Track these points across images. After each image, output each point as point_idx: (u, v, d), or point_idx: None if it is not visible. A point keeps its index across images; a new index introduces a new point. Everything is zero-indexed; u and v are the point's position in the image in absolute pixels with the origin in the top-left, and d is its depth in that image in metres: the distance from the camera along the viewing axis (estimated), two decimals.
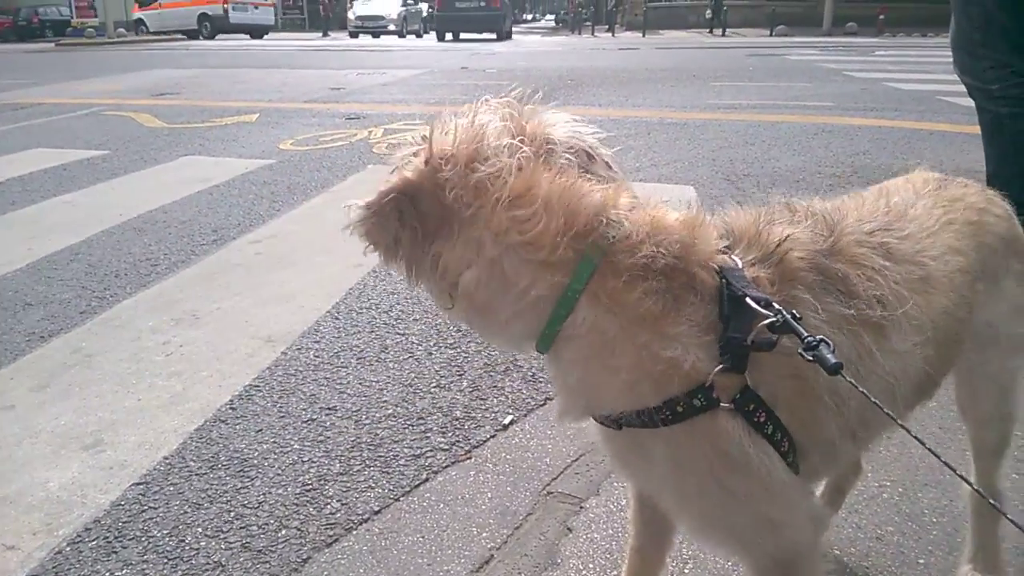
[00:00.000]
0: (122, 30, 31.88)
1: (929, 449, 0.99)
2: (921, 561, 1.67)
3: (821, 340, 0.94)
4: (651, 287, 1.00)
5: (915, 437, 0.96)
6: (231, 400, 2.48)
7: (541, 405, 2.39)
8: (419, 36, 35.00)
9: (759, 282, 1.03)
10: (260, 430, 2.31)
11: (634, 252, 1.00)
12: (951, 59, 3.26)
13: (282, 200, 5.01)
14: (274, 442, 2.24)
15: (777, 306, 0.98)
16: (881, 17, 26.72)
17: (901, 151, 6.05)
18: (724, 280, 1.02)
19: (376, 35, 33.49)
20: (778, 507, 1.07)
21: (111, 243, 4.17)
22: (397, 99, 10.03)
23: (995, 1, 2.96)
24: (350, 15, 34.80)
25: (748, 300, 0.98)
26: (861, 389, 0.97)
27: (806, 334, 0.95)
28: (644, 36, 29.08)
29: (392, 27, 34.17)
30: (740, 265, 1.04)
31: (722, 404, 0.99)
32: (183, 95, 10.86)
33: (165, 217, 4.66)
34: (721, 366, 0.99)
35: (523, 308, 1.03)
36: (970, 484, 1.04)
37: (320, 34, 39.26)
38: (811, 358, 0.94)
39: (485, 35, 27.81)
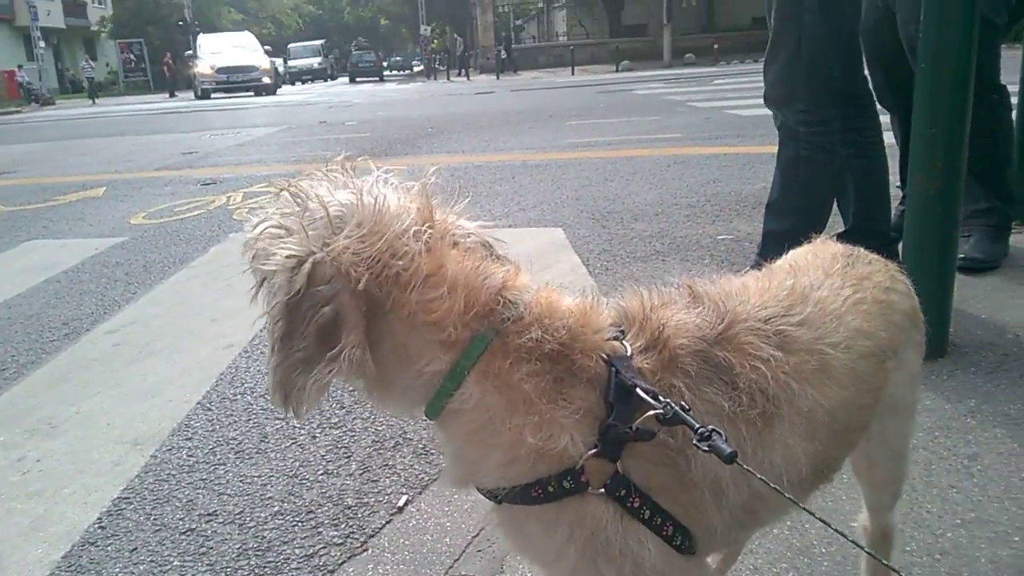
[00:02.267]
0: None
1: (836, 530, 1.02)
2: None
3: (713, 430, 0.95)
4: (534, 369, 1.01)
5: (821, 520, 0.97)
6: (99, 518, 2.29)
7: (435, 479, 2.34)
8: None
9: (642, 372, 1.04)
10: (134, 549, 2.14)
11: (522, 334, 1.02)
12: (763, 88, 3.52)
13: (138, 281, 4.74)
14: (152, 561, 2.08)
15: (665, 399, 0.99)
16: (716, 47, 28.57)
17: (747, 176, 6.42)
18: (613, 368, 1.02)
19: (239, 91, 30.61)
20: None
21: None
22: (255, 160, 9.78)
23: (835, 52, 3.21)
24: (202, 69, 31.30)
25: (639, 391, 1.00)
26: (760, 476, 0.99)
27: (698, 425, 0.96)
28: (498, 78, 29.77)
29: (266, 79, 31.19)
30: (630, 352, 1.06)
31: (590, 490, 1.01)
32: (20, 173, 10.17)
33: (8, 313, 4.31)
34: (592, 451, 1.00)
35: (419, 383, 1.04)
36: (879, 559, 1.05)
37: (167, 95, 38.01)
38: (706, 448, 0.95)
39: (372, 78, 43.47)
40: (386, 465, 2.46)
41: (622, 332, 1.09)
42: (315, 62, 48.73)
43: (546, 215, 5.74)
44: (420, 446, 2.55)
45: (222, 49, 32.05)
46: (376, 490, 2.32)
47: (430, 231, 1.03)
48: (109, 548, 2.16)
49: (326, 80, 47.99)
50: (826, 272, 1.30)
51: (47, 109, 32.39)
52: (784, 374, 1.09)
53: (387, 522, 2.16)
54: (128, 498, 2.39)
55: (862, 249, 1.44)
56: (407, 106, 16.88)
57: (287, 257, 0.98)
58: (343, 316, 0.98)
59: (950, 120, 2.63)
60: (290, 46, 53.79)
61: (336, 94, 23.67)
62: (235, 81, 30.81)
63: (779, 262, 1.39)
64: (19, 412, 3.07)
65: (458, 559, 1.98)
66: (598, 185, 6.66)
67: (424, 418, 1.08)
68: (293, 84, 45.32)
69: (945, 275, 2.81)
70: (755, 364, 1.07)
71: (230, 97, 29.32)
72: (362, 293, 0.98)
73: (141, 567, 2.06)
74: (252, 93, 30.55)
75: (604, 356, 1.04)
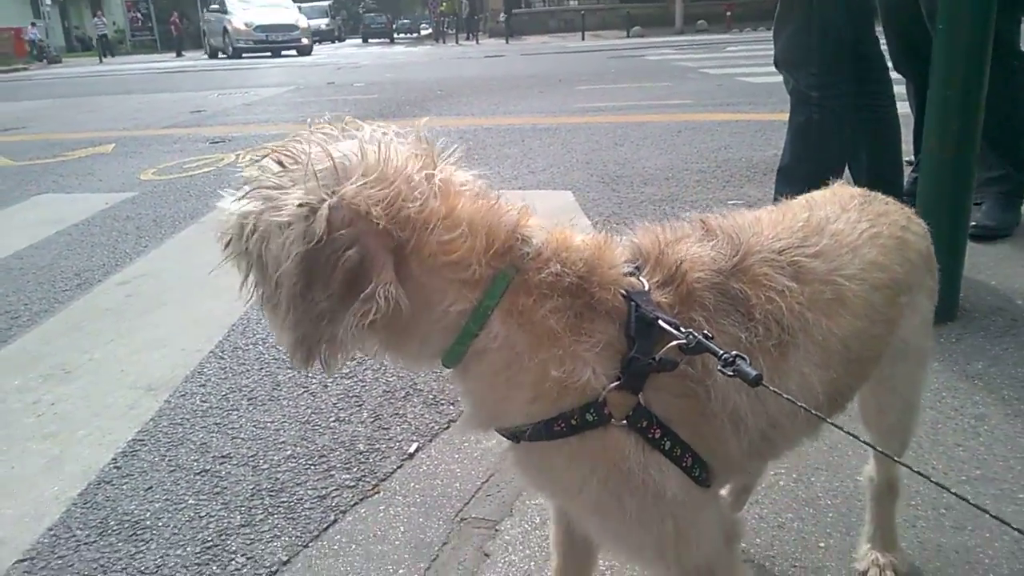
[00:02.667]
0: None
1: (890, 456, 1.04)
2: (822, 544, 1.76)
3: (737, 355, 0.96)
4: (556, 305, 1.01)
5: (850, 433, 1.00)
6: (114, 459, 2.33)
7: (445, 429, 2.37)
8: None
9: (660, 306, 1.05)
10: (150, 488, 2.18)
11: (542, 270, 1.02)
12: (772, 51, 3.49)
13: (149, 235, 4.76)
14: (166, 499, 2.12)
15: (687, 329, 1.00)
16: (728, 14, 28.16)
17: (759, 143, 6.37)
18: (633, 303, 1.04)
19: (278, 53, 27.52)
20: (678, 525, 1.08)
21: None
22: (263, 119, 9.74)
23: (846, 15, 3.17)
24: (236, 25, 27.66)
25: (661, 323, 1.01)
26: (786, 396, 1.01)
27: (722, 352, 0.97)
28: (507, 43, 29.43)
29: (304, 40, 28.19)
30: (647, 287, 1.07)
31: (613, 421, 1.02)
32: (29, 129, 10.16)
33: (21, 264, 4.33)
34: (615, 384, 1.01)
35: (441, 326, 1.02)
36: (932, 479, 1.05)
37: (173, 54, 37.71)
38: (731, 373, 0.96)
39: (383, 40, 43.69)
40: (397, 414, 2.49)
41: (637, 268, 1.10)
42: (323, 23, 46.19)
43: (556, 178, 5.72)
44: (430, 396, 2.58)
45: (251, 5, 29.09)
46: (387, 437, 2.35)
47: (439, 174, 1.03)
48: (124, 487, 2.20)
49: (333, 42, 46.40)
50: (843, 207, 1.32)
51: (54, 67, 32.18)
52: (799, 304, 1.11)
53: (398, 467, 2.20)
54: (143, 440, 2.42)
55: (874, 192, 1.45)
56: (415, 69, 16.73)
57: (299, 206, 0.95)
58: (370, 257, 0.95)
59: (966, 83, 2.61)
60: (297, 6, 52.72)
61: (344, 56, 23.38)
62: (275, 41, 27.63)
63: (796, 200, 1.39)
64: (33, 358, 3.10)
65: (468, 503, 2.01)
66: (608, 149, 6.62)
67: (441, 368, 1.08)
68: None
69: (957, 241, 2.80)
70: (770, 295, 1.09)
71: (262, 57, 27.19)
72: (384, 232, 0.96)
73: (156, 504, 2.10)
74: (295, 53, 27.73)
75: (623, 291, 1.05)
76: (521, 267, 1.03)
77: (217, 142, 8.06)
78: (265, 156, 1.04)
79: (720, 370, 0.97)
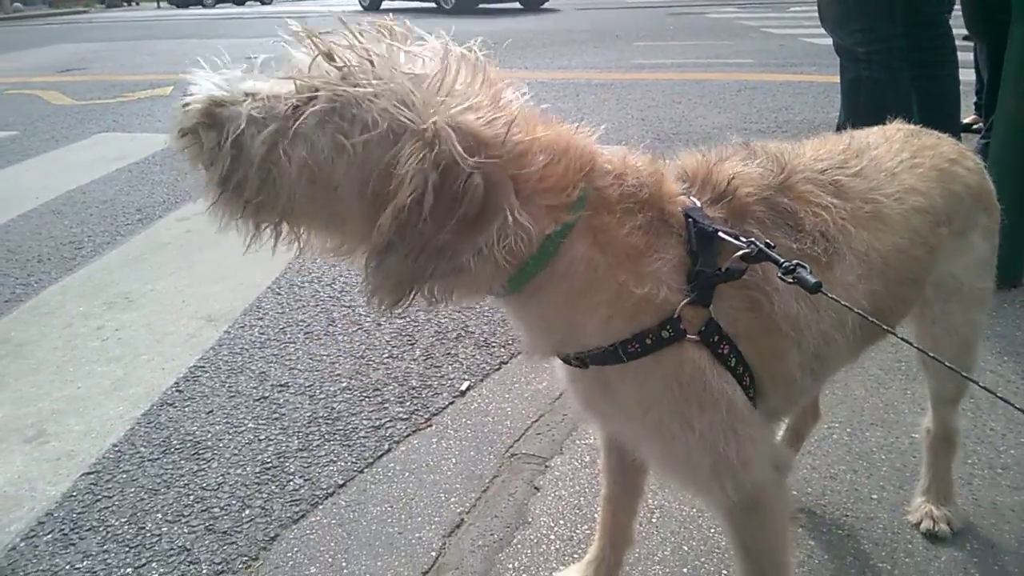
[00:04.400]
0: (18, 4, 30.06)
1: (986, 388, 1.04)
2: (874, 496, 1.75)
3: (797, 264, 0.97)
4: (636, 222, 1.01)
5: (938, 359, 1.00)
6: (176, 382, 2.41)
7: (496, 370, 2.40)
8: None
9: (715, 221, 1.06)
10: (211, 411, 2.26)
11: (621, 185, 1.02)
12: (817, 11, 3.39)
13: None
14: (227, 423, 2.19)
15: (749, 238, 1.01)
16: None
17: (821, 105, 6.20)
18: (690, 218, 1.04)
19: None
20: (739, 445, 1.09)
21: (30, 228, 3.97)
22: None
23: None
24: None
25: (722, 234, 1.02)
26: (844, 303, 1.01)
27: (783, 260, 0.98)
28: None
29: None
30: (699, 205, 1.07)
31: (688, 336, 1.02)
32: (90, 70, 10.34)
33: (84, 198, 4.45)
34: (688, 298, 1.02)
35: (528, 249, 0.96)
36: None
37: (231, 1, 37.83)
38: (792, 281, 0.97)
39: None
40: (448, 354, 2.52)
41: (687, 187, 1.11)
42: None
43: (610, 134, 5.48)
44: (481, 338, 2.61)
45: None
46: (439, 375, 2.39)
47: (515, 99, 1.01)
48: (186, 409, 2.27)
49: None
50: (886, 137, 1.35)
51: (114, 10, 32.60)
52: (842, 219, 1.14)
53: (450, 403, 2.24)
54: (203, 367, 2.50)
55: (933, 130, 1.45)
56: (464, 21, 16.57)
57: (411, 125, 0.88)
58: (494, 184, 0.90)
59: None
60: None
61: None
62: None
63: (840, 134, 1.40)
64: (96, 286, 3.20)
65: (518, 439, 2.04)
66: (664, 107, 6.51)
67: (502, 294, 1.03)
68: None
69: None
70: (816, 210, 1.13)
71: None
72: (500, 159, 0.92)
73: (216, 427, 2.17)
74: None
75: (681, 207, 1.06)
76: (600, 184, 1.01)
77: None
78: (305, 41, 0.95)
79: (780, 277, 0.98)
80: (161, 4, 35.12)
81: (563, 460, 1.94)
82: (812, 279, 0.95)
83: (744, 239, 1.01)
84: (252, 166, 0.94)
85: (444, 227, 0.88)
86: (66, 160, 5.39)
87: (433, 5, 17.45)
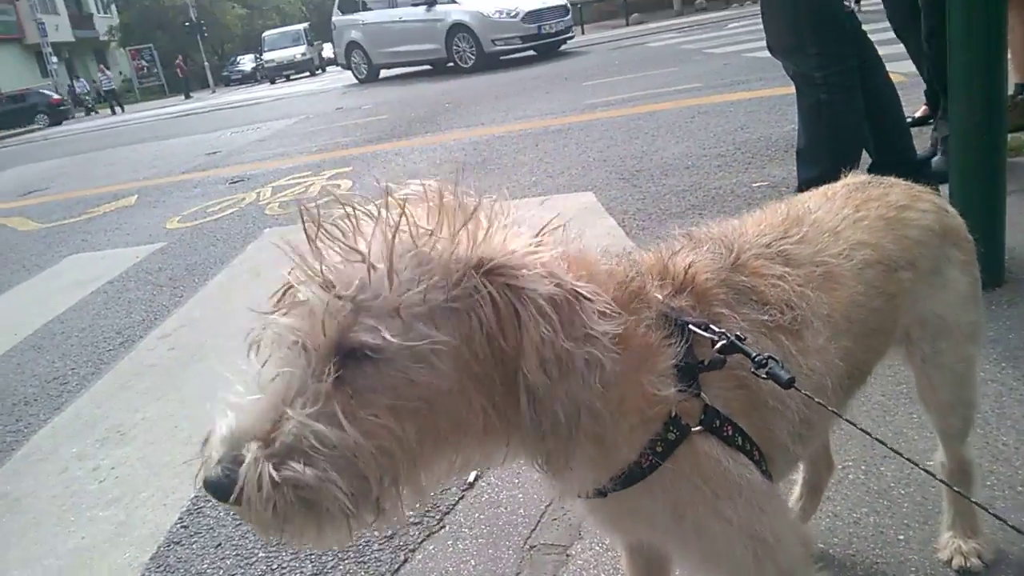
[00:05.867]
0: None
1: (894, 450, 1.04)
2: (901, 537, 1.73)
3: (769, 357, 1.00)
4: (638, 343, 1.01)
5: (879, 440, 1.01)
6: (180, 518, 2.36)
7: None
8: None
9: (684, 311, 1.06)
10: (219, 544, 2.20)
11: (625, 310, 1.01)
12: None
13: (183, 285, 4.82)
14: (237, 555, 2.14)
15: (720, 329, 1.03)
16: None
17: (776, 120, 6.30)
18: (663, 314, 1.05)
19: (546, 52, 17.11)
20: (771, 522, 1.08)
21: (11, 367, 3.92)
22: (278, 153, 9.82)
23: None
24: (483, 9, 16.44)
25: (692, 327, 1.03)
26: (818, 400, 1.05)
27: (755, 353, 1.00)
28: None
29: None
30: (661, 298, 1.08)
31: (693, 428, 1.02)
32: (52, 189, 10.34)
33: (63, 328, 4.41)
34: (679, 392, 1.01)
35: None
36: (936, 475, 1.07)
37: (182, 96, 38.18)
38: (765, 376, 0.99)
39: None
40: None
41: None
42: (298, 52, 38.58)
43: (575, 180, 5.70)
44: None
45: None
46: None
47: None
48: (194, 546, 2.22)
49: (312, 74, 38.45)
50: (827, 197, 1.38)
51: (66, 123, 32.80)
52: (799, 286, 1.16)
53: (460, 499, 2.20)
54: (206, 497, 2.44)
55: (886, 177, 1.47)
56: (420, 82, 16.76)
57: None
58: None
59: (987, 45, 2.56)
60: (264, 35, 42.38)
61: (347, 79, 23.47)
62: (547, 34, 17.05)
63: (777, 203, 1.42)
64: (86, 423, 3.15)
65: (535, 529, 2.01)
66: (623, 144, 6.59)
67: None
68: (272, 82, 36.44)
69: (995, 203, 2.75)
70: (773, 281, 1.15)
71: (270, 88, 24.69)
72: None
73: (228, 561, 2.12)
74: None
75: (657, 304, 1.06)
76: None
77: (236, 181, 8.15)
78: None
79: (754, 372, 1.00)
80: (123, 108, 35.09)
81: (583, 546, 1.90)
82: (785, 375, 0.97)
83: (716, 329, 1.02)
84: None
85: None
86: (40, 289, 5.35)
87: (452, 64, 17.30)
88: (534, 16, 16.48)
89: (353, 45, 19.19)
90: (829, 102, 3.31)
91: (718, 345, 1.02)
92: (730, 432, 1.04)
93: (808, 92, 3.39)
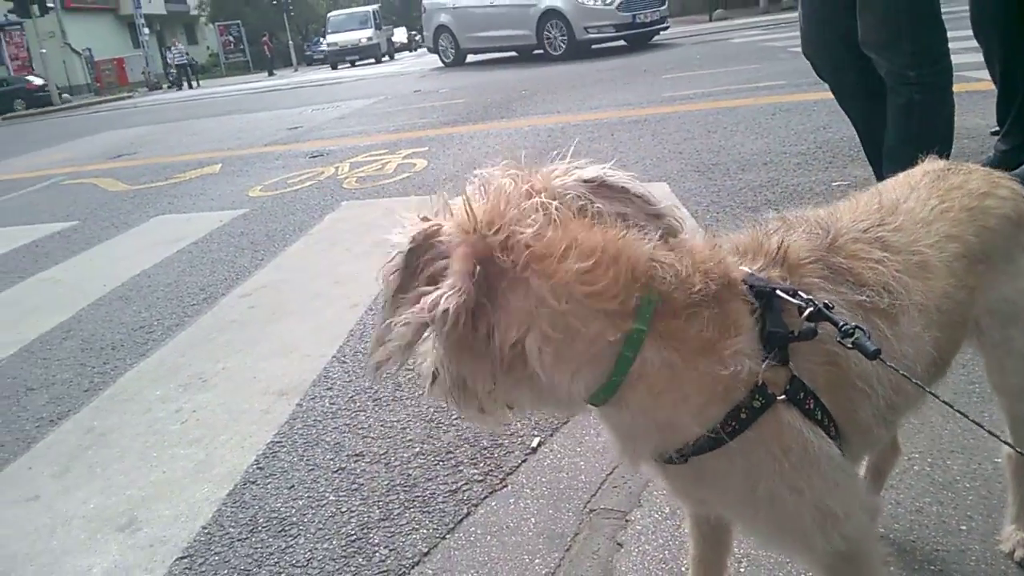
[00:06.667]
0: (67, 95, 31.45)
1: (990, 431, 1.05)
2: (963, 528, 1.72)
3: (856, 327, 1.00)
4: (705, 318, 1.02)
5: (973, 421, 1.02)
6: (256, 460, 2.49)
7: (564, 423, 2.42)
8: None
9: (772, 280, 1.09)
10: (292, 486, 2.32)
11: (688, 288, 1.02)
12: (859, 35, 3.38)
13: (263, 249, 5.00)
14: (309, 496, 2.25)
15: (808, 296, 1.05)
16: None
17: None
18: (749, 284, 1.07)
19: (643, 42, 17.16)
20: (839, 497, 1.10)
21: (100, 316, 4.15)
22: (357, 131, 10.04)
23: None
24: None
25: (779, 292, 1.05)
26: (902, 372, 1.05)
27: (842, 322, 1.01)
28: None
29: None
30: (753, 271, 1.11)
31: (778, 398, 1.04)
32: (140, 154, 10.78)
33: (149, 282, 4.63)
34: (767, 361, 1.04)
35: (591, 359, 1.00)
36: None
37: (266, 74, 39.03)
38: (851, 345, 1.00)
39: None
40: None
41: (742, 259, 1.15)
42: (363, 36, 35.87)
43: (649, 170, 5.69)
44: None
45: None
46: (509, 433, 2.42)
47: (552, 203, 1.00)
48: (269, 486, 2.34)
49: (378, 60, 35.94)
50: (912, 186, 1.38)
51: (155, 93, 33.97)
52: (897, 271, 1.17)
53: (523, 461, 2.26)
54: (281, 442, 2.57)
55: (964, 164, 1.47)
56: (500, 69, 16.85)
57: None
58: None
59: None
60: (330, 15, 40.55)
61: (426, 63, 23.71)
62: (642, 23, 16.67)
63: (867, 191, 1.43)
64: (170, 369, 3.32)
65: (595, 494, 2.06)
66: (700, 138, 6.54)
67: (588, 407, 1.07)
68: (334, 67, 34.74)
69: None
70: (871, 264, 1.16)
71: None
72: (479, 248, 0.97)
73: (300, 502, 2.23)
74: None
75: (742, 277, 1.09)
76: (664, 291, 1.01)
77: (316, 156, 8.37)
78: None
79: (839, 341, 1.01)
80: (190, 86, 35.17)
81: (643, 513, 1.94)
82: (871, 346, 0.97)
83: (804, 296, 1.04)
84: None
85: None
86: (128, 246, 5.62)
87: (540, 52, 16.99)
88: (630, 4, 16.03)
89: (442, 29, 19.23)
90: (922, 102, 3.24)
91: (806, 312, 1.03)
92: (811, 405, 1.06)
93: (901, 91, 3.33)
